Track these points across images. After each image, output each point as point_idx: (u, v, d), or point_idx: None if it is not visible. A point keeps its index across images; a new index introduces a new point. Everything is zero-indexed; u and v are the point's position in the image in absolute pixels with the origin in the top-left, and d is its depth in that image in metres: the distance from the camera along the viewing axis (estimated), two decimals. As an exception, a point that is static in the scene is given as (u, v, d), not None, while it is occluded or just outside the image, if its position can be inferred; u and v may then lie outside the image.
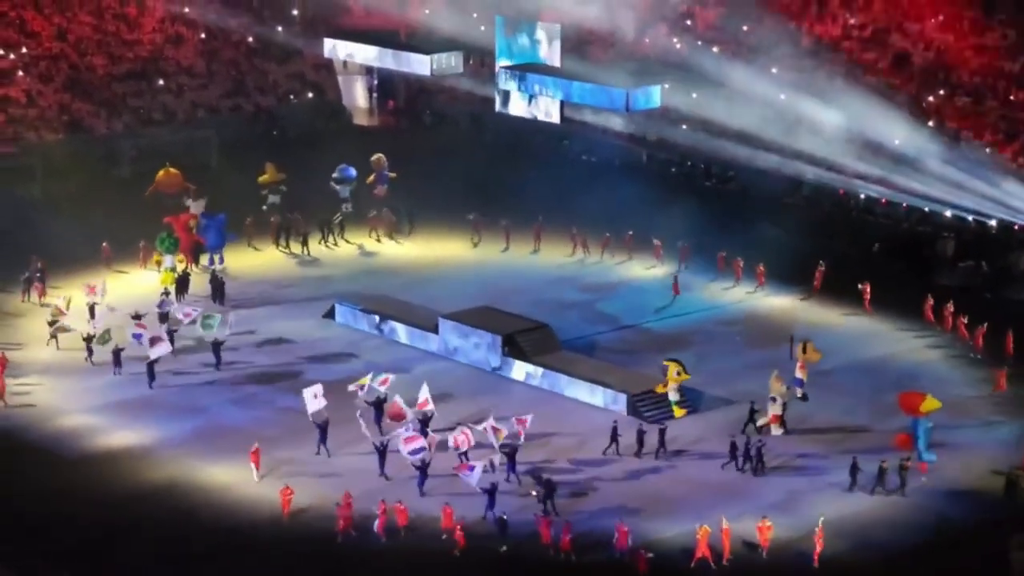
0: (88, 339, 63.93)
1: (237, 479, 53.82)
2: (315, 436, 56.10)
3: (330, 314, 70.15)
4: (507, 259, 78.87)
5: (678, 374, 58.72)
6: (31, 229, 78.22)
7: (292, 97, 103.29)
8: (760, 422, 57.25)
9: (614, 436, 55.83)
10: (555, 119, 66.60)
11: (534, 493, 52.18)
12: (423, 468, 53.05)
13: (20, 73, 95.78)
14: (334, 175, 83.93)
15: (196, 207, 77.07)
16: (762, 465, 54.23)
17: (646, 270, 76.57)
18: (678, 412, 58.88)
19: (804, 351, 60.24)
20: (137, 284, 73.52)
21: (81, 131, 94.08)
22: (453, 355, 64.78)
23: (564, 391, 61.51)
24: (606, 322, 69.77)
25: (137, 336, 63.40)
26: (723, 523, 48.37)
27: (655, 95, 64.52)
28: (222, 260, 76.67)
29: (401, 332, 67.26)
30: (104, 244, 76.07)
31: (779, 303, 72.07)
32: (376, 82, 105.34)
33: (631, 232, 77.87)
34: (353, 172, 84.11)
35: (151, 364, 61.86)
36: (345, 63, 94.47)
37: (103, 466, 55.10)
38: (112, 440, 57.24)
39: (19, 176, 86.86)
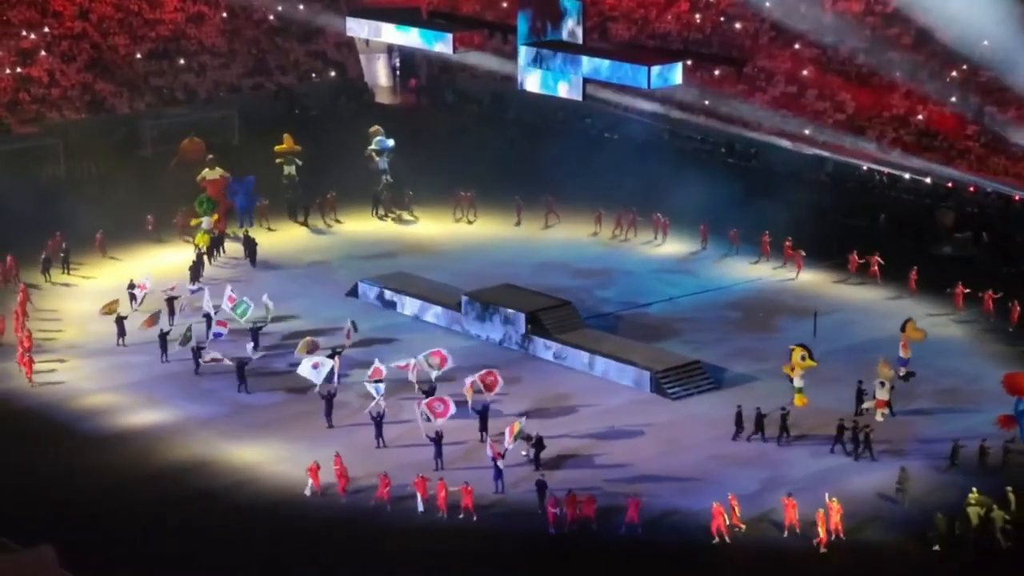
0: (163, 335, 62.72)
1: (264, 458, 54.04)
2: (337, 411, 56.77)
3: (353, 292, 70.33)
4: (517, 236, 79.04)
5: (803, 359, 57.05)
6: (54, 209, 78.48)
7: (314, 76, 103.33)
8: (866, 405, 56.36)
9: (739, 421, 54.82)
10: (577, 97, 66.42)
11: (524, 453, 52.63)
12: (438, 441, 53.19)
13: (42, 53, 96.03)
14: (371, 147, 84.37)
15: (212, 175, 78.15)
16: (870, 450, 53.16)
17: (646, 245, 76.76)
18: (799, 400, 57.01)
19: (904, 329, 59.76)
20: (173, 260, 73.82)
21: (103, 111, 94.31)
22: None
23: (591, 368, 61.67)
24: (620, 301, 69.86)
25: (218, 335, 62.89)
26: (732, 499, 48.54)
27: (676, 72, 64.29)
28: (251, 223, 77.99)
29: (424, 310, 67.49)
30: (149, 216, 77.07)
31: (803, 279, 71.89)
32: (398, 61, 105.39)
33: (634, 209, 78.08)
34: (389, 143, 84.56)
35: (241, 367, 60.32)
36: (367, 41, 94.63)
37: (130, 445, 55.28)
38: (139, 419, 57.44)
39: (42, 156, 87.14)
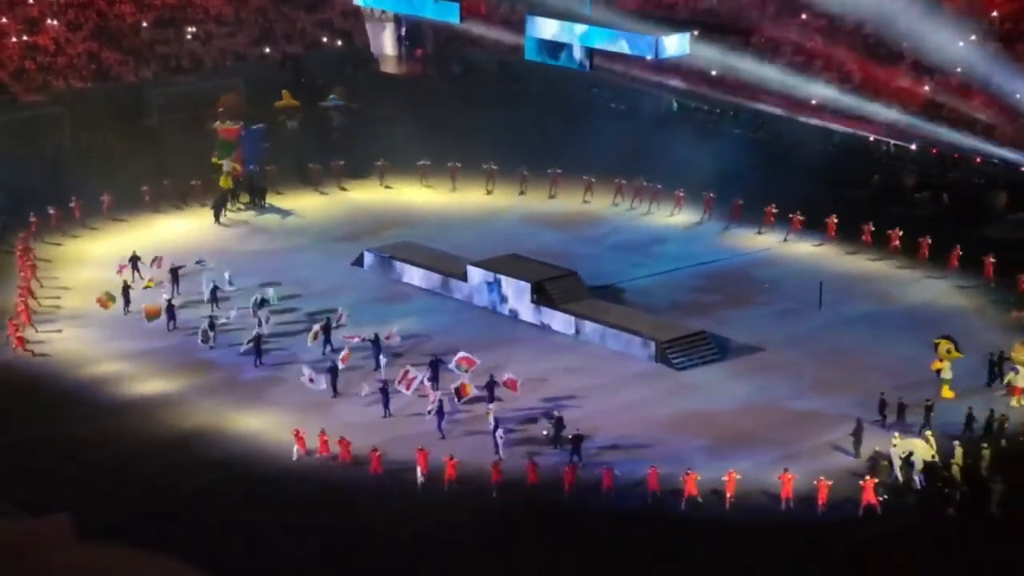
0: (170, 304, 62.73)
1: (265, 426, 54.21)
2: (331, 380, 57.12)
3: (359, 262, 70.38)
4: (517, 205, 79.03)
5: (948, 352, 55.53)
6: (60, 177, 78.54)
7: (323, 41, 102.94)
8: (1002, 393, 55.24)
9: (882, 408, 53.56)
10: (584, 67, 66.22)
11: (545, 432, 52.71)
12: (440, 409, 53.48)
13: (49, 21, 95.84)
14: (325, 103, 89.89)
15: (224, 126, 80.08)
16: (1003, 438, 51.99)
17: (664, 216, 76.71)
18: (947, 392, 55.23)
19: None
20: (173, 229, 74.05)
21: (109, 79, 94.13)
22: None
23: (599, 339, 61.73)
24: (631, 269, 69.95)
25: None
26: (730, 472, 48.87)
27: (684, 43, 64.09)
28: (257, 166, 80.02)
29: (427, 279, 67.61)
30: (144, 188, 77.53)
31: (807, 250, 71.79)
32: (405, 30, 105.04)
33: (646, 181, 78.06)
34: (341, 103, 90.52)
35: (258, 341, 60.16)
36: (374, 12, 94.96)
37: (137, 413, 55.48)
38: (145, 387, 57.64)
39: (47, 124, 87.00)
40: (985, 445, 49.95)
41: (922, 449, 49.30)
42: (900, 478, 49.12)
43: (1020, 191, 75.34)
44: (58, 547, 46.34)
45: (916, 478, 48.84)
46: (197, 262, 68.43)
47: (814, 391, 56.58)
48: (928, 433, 50.64)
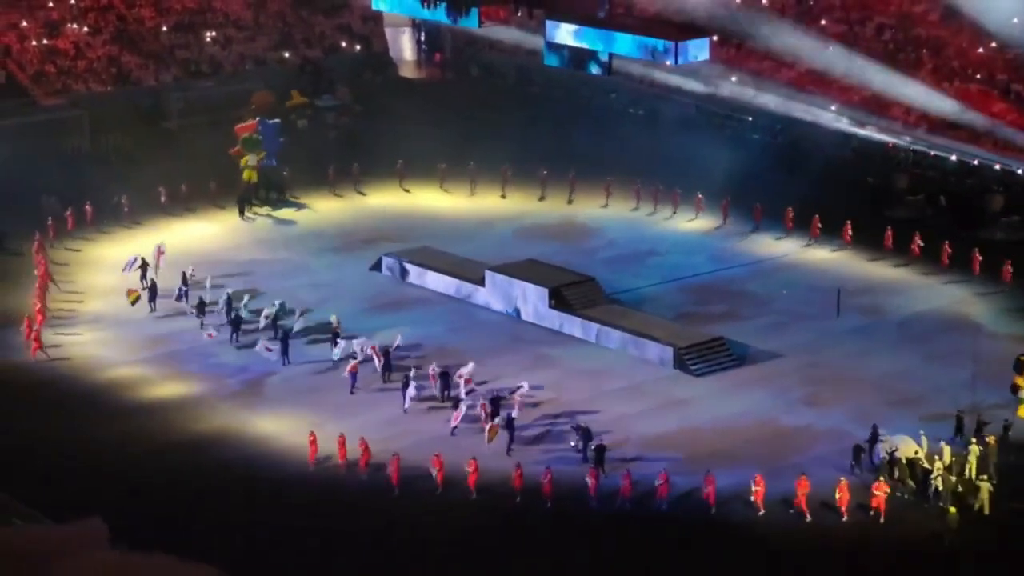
0: (201, 303, 63.03)
1: (281, 430, 54.20)
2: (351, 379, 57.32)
3: (377, 267, 70.42)
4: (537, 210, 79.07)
5: None
6: (80, 180, 78.77)
7: (342, 46, 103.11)
8: None
9: (959, 426, 52.26)
10: (603, 72, 66.25)
11: (572, 443, 52.52)
12: (456, 404, 53.78)
13: (69, 24, 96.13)
14: (318, 103, 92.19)
15: (240, 124, 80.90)
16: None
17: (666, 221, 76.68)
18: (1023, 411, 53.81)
19: None
20: (189, 232, 74.26)
21: (129, 83, 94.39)
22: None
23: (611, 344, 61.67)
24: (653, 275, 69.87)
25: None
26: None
27: (704, 48, 64.07)
28: (276, 161, 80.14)
29: (445, 284, 67.64)
30: (161, 188, 77.43)
31: (825, 256, 71.64)
32: (423, 34, 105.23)
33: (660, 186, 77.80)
34: (336, 102, 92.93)
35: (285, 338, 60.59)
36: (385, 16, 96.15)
37: (151, 416, 55.50)
38: (160, 391, 57.67)
39: (67, 127, 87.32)
40: (974, 440, 50.10)
41: (905, 446, 49.60)
42: (883, 472, 49.09)
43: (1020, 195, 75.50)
44: (93, 553, 46.24)
45: (900, 476, 49.05)
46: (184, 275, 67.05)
47: (823, 397, 56.42)
48: (922, 432, 50.66)
